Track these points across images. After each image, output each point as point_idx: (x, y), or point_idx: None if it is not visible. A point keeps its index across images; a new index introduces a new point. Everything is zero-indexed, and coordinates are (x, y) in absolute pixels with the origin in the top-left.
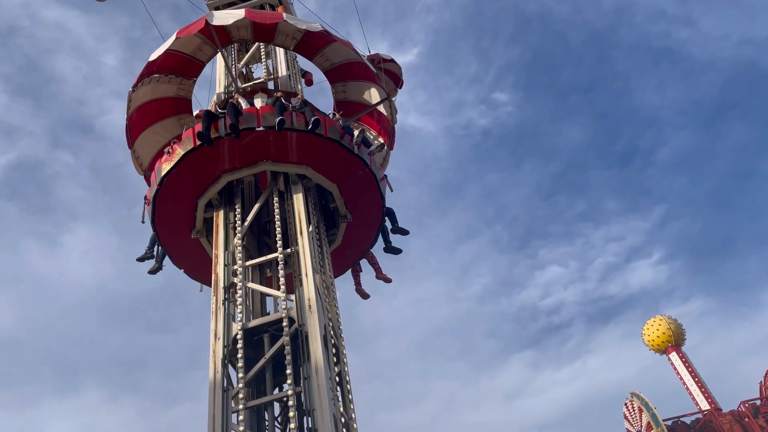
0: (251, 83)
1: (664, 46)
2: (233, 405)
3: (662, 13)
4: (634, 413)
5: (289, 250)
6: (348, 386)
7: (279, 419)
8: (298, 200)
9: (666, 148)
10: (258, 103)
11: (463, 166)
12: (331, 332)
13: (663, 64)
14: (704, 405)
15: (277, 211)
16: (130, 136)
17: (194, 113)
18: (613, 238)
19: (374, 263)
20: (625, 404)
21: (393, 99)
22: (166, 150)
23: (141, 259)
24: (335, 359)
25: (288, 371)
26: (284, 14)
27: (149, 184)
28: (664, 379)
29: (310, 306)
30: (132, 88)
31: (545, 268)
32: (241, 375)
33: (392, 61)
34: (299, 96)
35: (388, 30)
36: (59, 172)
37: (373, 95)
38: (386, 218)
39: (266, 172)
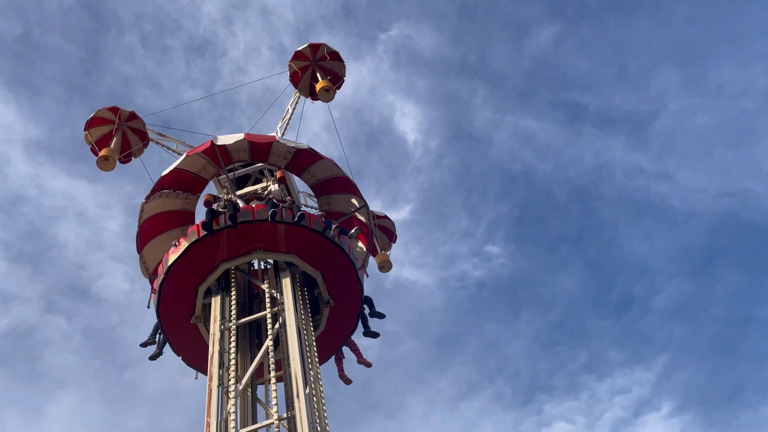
0: (248, 190)
1: (645, 199)
2: None
3: (639, 169)
4: None
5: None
6: None
7: None
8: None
9: (661, 296)
10: (253, 204)
11: (460, 317)
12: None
13: (647, 216)
14: None
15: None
16: (140, 242)
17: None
18: (619, 391)
19: (355, 349)
20: None
21: (368, 206)
22: (172, 243)
23: (144, 345)
24: None
25: None
26: (276, 136)
27: (153, 287)
28: None
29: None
30: (145, 200)
31: (552, 425)
32: None
33: (386, 217)
34: (288, 198)
35: (381, 189)
36: (50, 337)
37: (354, 204)
38: (365, 305)
39: (258, 260)
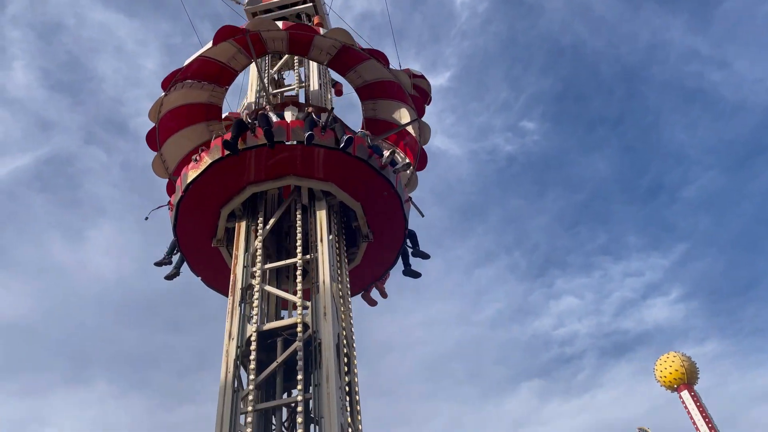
0: (282, 90)
1: (696, 86)
2: (242, 406)
3: (696, 53)
4: None
5: (308, 257)
6: (357, 397)
7: (286, 424)
8: (321, 215)
9: (692, 186)
10: (288, 116)
11: (486, 190)
12: (344, 342)
13: (694, 104)
14: None
15: (299, 220)
16: (158, 138)
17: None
18: (632, 274)
19: (383, 279)
20: None
21: (422, 120)
22: (193, 157)
23: (159, 264)
24: (346, 369)
25: (299, 377)
26: (321, 29)
27: (172, 188)
28: (674, 419)
29: (325, 314)
30: (164, 92)
31: (561, 298)
32: (252, 377)
33: (422, 77)
34: (330, 110)
35: (422, 52)
36: (90, 167)
37: (403, 115)
38: (407, 240)
39: (291, 185)
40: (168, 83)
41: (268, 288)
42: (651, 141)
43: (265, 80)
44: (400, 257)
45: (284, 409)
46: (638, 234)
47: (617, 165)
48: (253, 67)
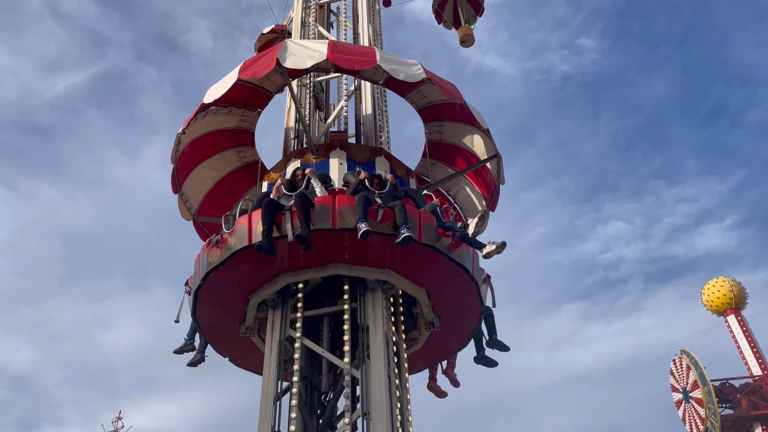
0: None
1: None
2: (291, 313)
3: None
4: (682, 371)
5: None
6: (400, 308)
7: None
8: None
9: (758, 109)
10: (334, 167)
11: (537, 111)
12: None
13: (767, 21)
14: (757, 371)
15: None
16: (178, 178)
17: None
18: (686, 199)
19: (452, 361)
20: (673, 361)
21: (501, 157)
22: (213, 239)
23: (180, 352)
24: None
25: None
26: (377, 53)
27: (198, 231)
28: (718, 344)
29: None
30: (181, 131)
31: (609, 222)
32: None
33: None
34: (388, 176)
35: None
36: (143, 85)
37: (476, 143)
38: (482, 324)
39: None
40: (188, 124)
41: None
42: (717, 61)
43: (306, 110)
44: (473, 339)
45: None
46: (695, 158)
47: (678, 86)
48: (288, 90)
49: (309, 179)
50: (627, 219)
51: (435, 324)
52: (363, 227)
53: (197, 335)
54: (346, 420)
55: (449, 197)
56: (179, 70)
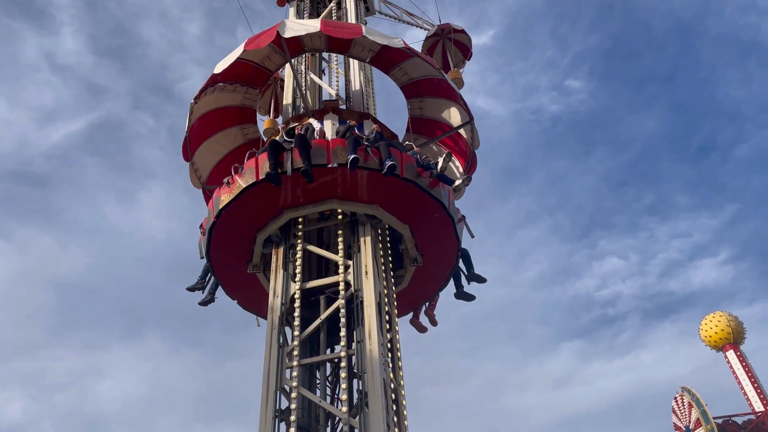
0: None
1: (753, 39)
2: (287, 361)
3: (753, 5)
4: (684, 408)
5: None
6: (398, 353)
7: (330, 379)
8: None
9: (746, 144)
10: (328, 126)
11: (530, 151)
12: (385, 300)
13: (751, 58)
14: (759, 406)
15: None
16: (189, 147)
17: (257, 121)
18: (679, 234)
19: (433, 303)
20: (675, 399)
21: (473, 118)
22: (225, 180)
23: (192, 289)
24: (387, 326)
25: (342, 333)
26: (363, 27)
27: (207, 199)
28: (718, 380)
29: (366, 272)
30: (194, 100)
31: (604, 258)
32: (296, 333)
33: (462, 31)
34: (374, 126)
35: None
36: (140, 132)
37: (453, 115)
38: (460, 261)
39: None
40: (201, 94)
41: (310, 248)
42: (704, 98)
43: (303, 81)
44: (452, 278)
45: (328, 365)
46: (687, 194)
47: (668, 123)
48: (289, 70)
49: (308, 127)
50: (622, 255)
51: (418, 260)
52: (351, 156)
53: (209, 276)
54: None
55: None
56: (175, 117)
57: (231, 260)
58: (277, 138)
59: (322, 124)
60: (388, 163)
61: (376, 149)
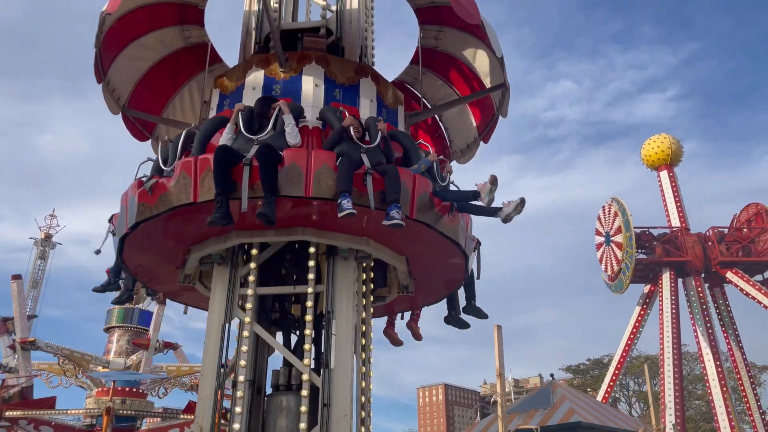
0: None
1: None
2: None
3: None
4: (609, 217)
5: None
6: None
7: None
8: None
9: None
10: (308, 87)
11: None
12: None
13: None
14: (676, 223)
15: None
16: (101, 64)
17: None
18: (636, 66)
19: (416, 315)
20: (603, 208)
21: (509, 88)
22: (147, 186)
23: (101, 290)
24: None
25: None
26: None
27: (129, 126)
28: (643, 200)
29: (350, 21)
30: (106, 11)
31: (559, 81)
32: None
33: None
34: (380, 125)
35: None
36: None
37: (479, 59)
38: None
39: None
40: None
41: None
42: None
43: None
44: (446, 302)
45: None
46: (655, 25)
47: None
48: None
49: (278, 114)
50: (576, 79)
51: (410, 288)
52: (347, 207)
53: (124, 274)
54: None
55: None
56: None
57: (152, 267)
58: (226, 131)
59: (299, 83)
60: (395, 218)
61: (379, 175)
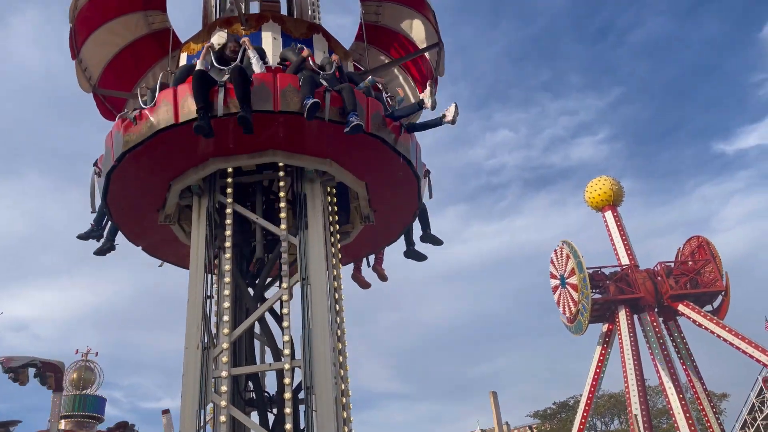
0: None
1: None
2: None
3: None
4: (562, 259)
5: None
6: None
7: None
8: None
9: (640, 30)
10: (267, 41)
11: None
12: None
13: None
14: (625, 261)
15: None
16: (75, 42)
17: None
18: (567, 112)
19: (379, 256)
20: (555, 251)
21: (443, 46)
22: (130, 114)
23: (84, 237)
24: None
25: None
26: None
27: (99, 106)
28: (588, 240)
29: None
30: None
31: (497, 130)
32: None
33: None
34: (334, 57)
35: None
36: None
37: (415, 29)
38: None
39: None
40: None
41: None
42: None
43: None
44: (404, 236)
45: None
46: (581, 74)
47: (573, 0)
48: None
49: (244, 50)
50: (513, 128)
51: (371, 218)
52: (310, 102)
53: (106, 220)
54: (284, 285)
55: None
56: None
57: (136, 206)
58: (199, 62)
59: (259, 38)
60: (354, 121)
61: (337, 93)
